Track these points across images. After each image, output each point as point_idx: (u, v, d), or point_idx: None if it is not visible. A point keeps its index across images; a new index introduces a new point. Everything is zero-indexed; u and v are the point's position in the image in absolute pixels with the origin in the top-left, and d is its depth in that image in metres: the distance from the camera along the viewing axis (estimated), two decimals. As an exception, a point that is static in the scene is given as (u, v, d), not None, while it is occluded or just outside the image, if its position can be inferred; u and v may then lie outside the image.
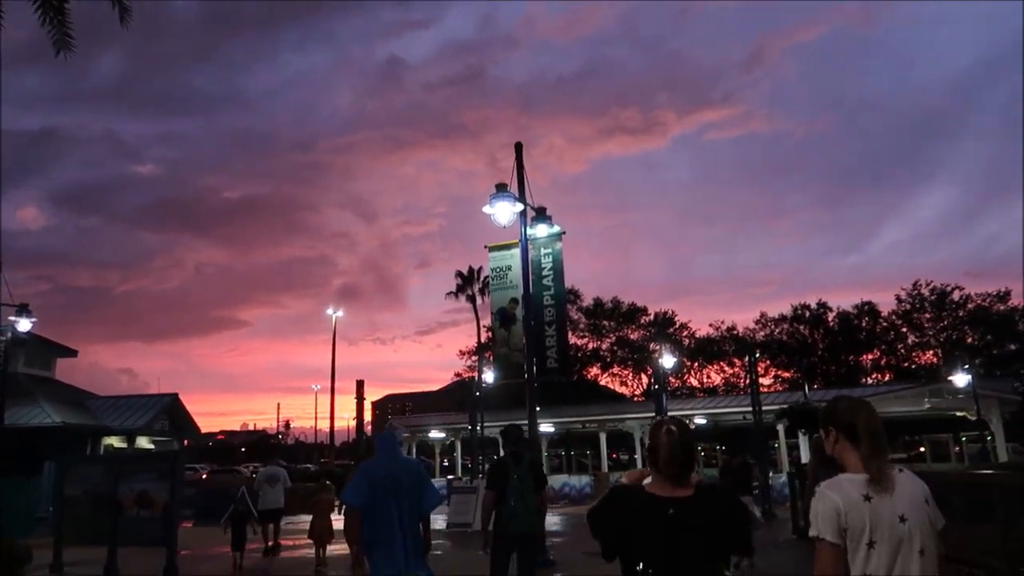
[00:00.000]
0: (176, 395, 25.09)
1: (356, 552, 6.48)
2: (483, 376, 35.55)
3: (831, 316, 49.16)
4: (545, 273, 12.01)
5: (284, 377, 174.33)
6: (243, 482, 17.88)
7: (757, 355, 47.89)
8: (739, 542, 2.73)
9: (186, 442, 29.06)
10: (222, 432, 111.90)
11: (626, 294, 54.84)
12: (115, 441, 23.01)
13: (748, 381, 48.96)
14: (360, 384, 30.86)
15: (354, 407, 30.05)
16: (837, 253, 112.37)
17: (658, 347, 43.42)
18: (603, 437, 32.24)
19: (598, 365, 54.35)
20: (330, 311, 41.89)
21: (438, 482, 33.74)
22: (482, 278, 54.19)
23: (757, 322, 50.78)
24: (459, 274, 56.81)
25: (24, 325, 18.29)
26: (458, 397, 51.60)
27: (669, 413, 28.46)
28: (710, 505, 2.67)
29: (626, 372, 53.80)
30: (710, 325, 53.12)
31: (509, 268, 12.34)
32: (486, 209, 11.74)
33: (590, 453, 41.43)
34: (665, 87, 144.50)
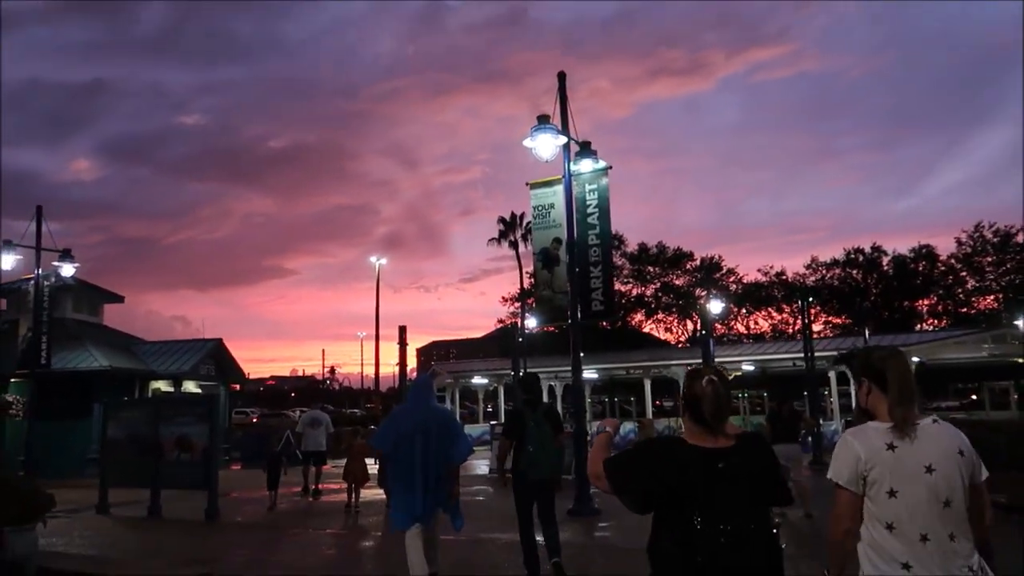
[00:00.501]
0: (220, 340, 25.22)
1: (352, 492, 6.31)
2: (525, 322, 35.25)
3: (885, 260, 47.44)
4: (590, 211, 11.35)
5: (331, 324, 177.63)
6: (288, 426, 18.00)
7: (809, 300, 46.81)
8: (780, 492, 2.69)
9: (236, 386, 29.43)
10: (272, 377, 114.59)
11: (671, 241, 53.64)
12: (162, 385, 23.27)
13: (798, 327, 47.85)
14: (402, 330, 30.67)
15: (395, 354, 29.91)
16: (891, 196, 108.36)
17: (704, 293, 42.53)
18: (647, 384, 31.75)
19: (642, 312, 53.62)
20: (373, 259, 41.90)
21: (481, 428, 33.85)
22: (524, 223, 53.53)
23: (808, 267, 49.30)
24: (501, 220, 56.21)
25: (67, 270, 18.29)
26: (502, 344, 51.59)
27: (716, 359, 27.78)
28: (754, 454, 2.63)
29: (671, 319, 53.01)
30: (758, 270, 51.78)
31: (552, 206, 11.70)
32: (527, 142, 11.08)
33: (634, 400, 41.07)
34: (714, 26, 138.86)
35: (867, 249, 47.56)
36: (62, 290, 23.56)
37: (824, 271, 48.33)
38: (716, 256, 51.67)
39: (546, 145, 11.07)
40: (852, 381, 4.31)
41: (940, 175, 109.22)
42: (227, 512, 12.51)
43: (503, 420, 35.07)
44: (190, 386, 25.21)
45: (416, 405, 6.48)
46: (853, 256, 47.88)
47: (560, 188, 11.62)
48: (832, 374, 27.23)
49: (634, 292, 53.07)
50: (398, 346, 32.55)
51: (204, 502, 11.89)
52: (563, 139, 11.02)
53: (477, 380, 38.75)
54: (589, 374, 34.47)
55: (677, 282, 51.96)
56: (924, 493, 2.43)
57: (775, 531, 2.59)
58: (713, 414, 2.60)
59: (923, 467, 2.45)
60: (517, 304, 50.37)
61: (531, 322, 38.41)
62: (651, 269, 52.40)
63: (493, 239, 56.43)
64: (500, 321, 57.41)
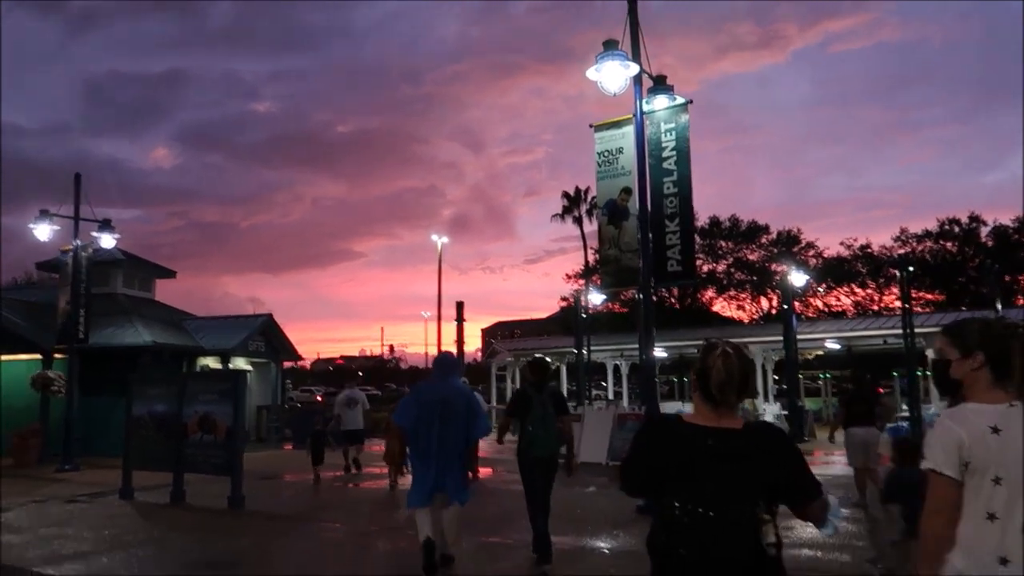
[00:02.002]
0: (270, 315, 24.23)
1: (394, 472, 6.81)
2: (589, 298, 33.43)
3: (984, 232, 43.62)
4: (667, 154, 9.51)
5: (398, 305, 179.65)
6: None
7: (894, 273, 43.46)
8: (797, 485, 2.41)
9: (289, 364, 28.52)
10: (341, 357, 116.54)
11: (743, 219, 50.48)
12: (211, 362, 22.44)
13: (884, 304, 44.61)
14: (460, 306, 29.40)
15: (465, 335, 28.77)
16: (976, 170, 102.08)
17: (782, 267, 39.87)
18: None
19: (713, 288, 50.97)
20: (435, 237, 40.71)
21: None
22: (590, 199, 51.44)
23: (896, 239, 45.69)
24: (565, 195, 54.28)
25: (107, 241, 17.40)
26: (564, 322, 49.94)
27: (798, 336, 25.48)
28: (762, 439, 2.42)
29: (744, 296, 50.24)
30: (841, 243, 48.47)
31: (620, 151, 9.90)
32: (590, 73, 9.31)
33: (705, 380, 38.83)
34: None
35: (964, 220, 43.82)
36: (111, 264, 22.95)
37: (915, 243, 44.79)
38: (795, 229, 48.58)
39: (614, 76, 9.27)
40: (953, 352, 2.43)
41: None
42: (261, 497, 11.38)
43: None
44: (240, 363, 24.35)
45: (438, 382, 6.53)
46: (948, 227, 44.20)
47: (630, 129, 9.81)
48: (931, 353, 24.60)
49: (705, 268, 50.45)
50: (456, 323, 31.34)
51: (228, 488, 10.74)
52: (634, 68, 9.19)
53: (539, 359, 37.22)
54: (658, 352, 32.49)
55: (751, 257, 49.09)
56: None
57: (770, 525, 2.30)
58: (720, 387, 2.43)
59: None
60: (581, 282, 48.47)
61: (595, 298, 36.61)
62: (723, 244, 49.64)
63: (556, 215, 54.62)
64: (563, 299, 55.56)
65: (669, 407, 29.29)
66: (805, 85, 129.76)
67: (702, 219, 49.33)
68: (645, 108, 9.71)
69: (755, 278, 48.50)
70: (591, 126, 10.26)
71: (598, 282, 48.52)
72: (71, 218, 16.73)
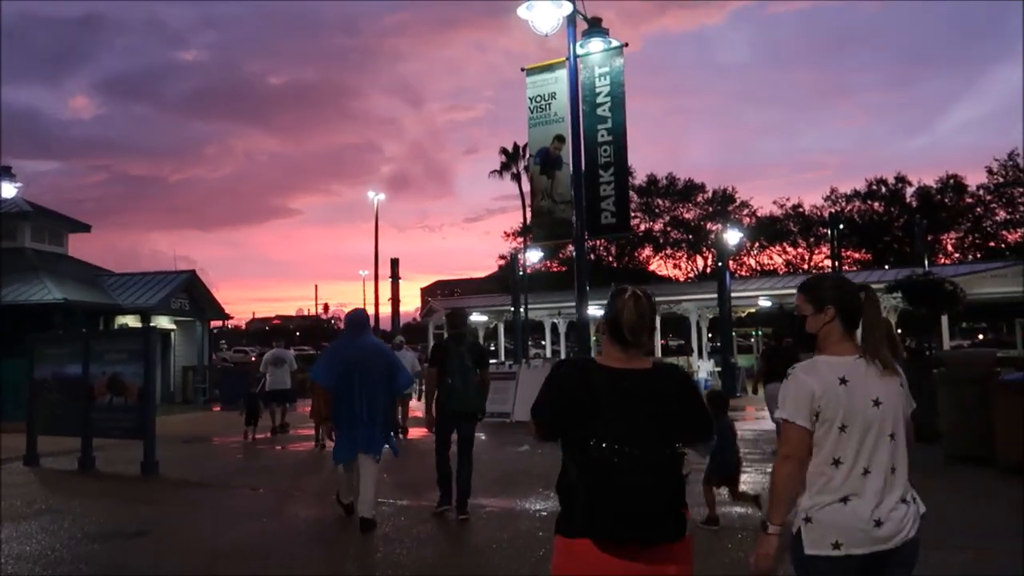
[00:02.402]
0: (193, 272, 23.20)
1: (327, 429, 6.85)
2: (527, 256, 33.16)
3: (909, 192, 44.89)
4: (601, 100, 9.12)
5: (336, 264, 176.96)
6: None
7: (825, 232, 44.41)
8: (696, 420, 2.52)
9: (218, 323, 27.52)
10: (277, 316, 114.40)
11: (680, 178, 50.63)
12: (130, 320, 21.38)
13: (813, 263, 45.63)
14: (395, 263, 28.90)
15: (404, 293, 28.26)
16: (906, 134, 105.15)
17: (717, 225, 40.27)
18: (656, 320, 29.79)
19: (650, 247, 51.39)
20: (372, 194, 39.45)
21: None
22: (527, 155, 50.65)
23: (827, 198, 46.70)
24: (503, 151, 53.47)
25: (7, 190, 16.21)
26: (505, 283, 49.73)
27: (732, 294, 25.73)
28: (669, 379, 2.51)
29: (680, 255, 50.80)
30: (774, 202, 49.33)
31: (553, 96, 9.46)
32: (521, 11, 8.84)
33: (641, 338, 39.21)
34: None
35: (891, 180, 44.98)
36: (18, 217, 21.54)
37: (844, 203, 45.84)
38: (729, 188, 49.14)
39: (546, 15, 8.80)
40: (808, 307, 2.58)
41: (957, 113, 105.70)
42: (178, 462, 10.79)
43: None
44: (163, 322, 23.34)
45: (353, 339, 6.46)
46: (875, 188, 45.32)
47: (563, 73, 9.38)
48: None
49: (642, 227, 50.73)
50: (390, 280, 30.78)
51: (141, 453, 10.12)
52: (567, 7, 8.73)
53: (476, 317, 36.88)
54: (594, 311, 32.59)
55: (687, 216, 49.60)
56: (872, 427, 2.42)
57: (679, 462, 2.39)
58: (632, 329, 2.47)
59: (871, 400, 2.44)
60: (520, 240, 48.16)
61: (533, 256, 36.37)
62: (660, 202, 49.97)
63: (495, 171, 53.86)
64: (502, 257, 55.26)
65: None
66: (743, 46, 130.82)
67: (640, 177, 49.42)
68: (579, 51, 9.28)
69: (691, 237, 49.05)
70: (523, 69, 9.77)
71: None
72: (-35, 166, 15.45)
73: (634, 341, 2.47)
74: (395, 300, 28.47)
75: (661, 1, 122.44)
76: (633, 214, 49.92)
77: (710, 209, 48.15)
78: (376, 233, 46.77)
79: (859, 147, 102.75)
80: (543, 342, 38.15)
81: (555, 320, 35.21)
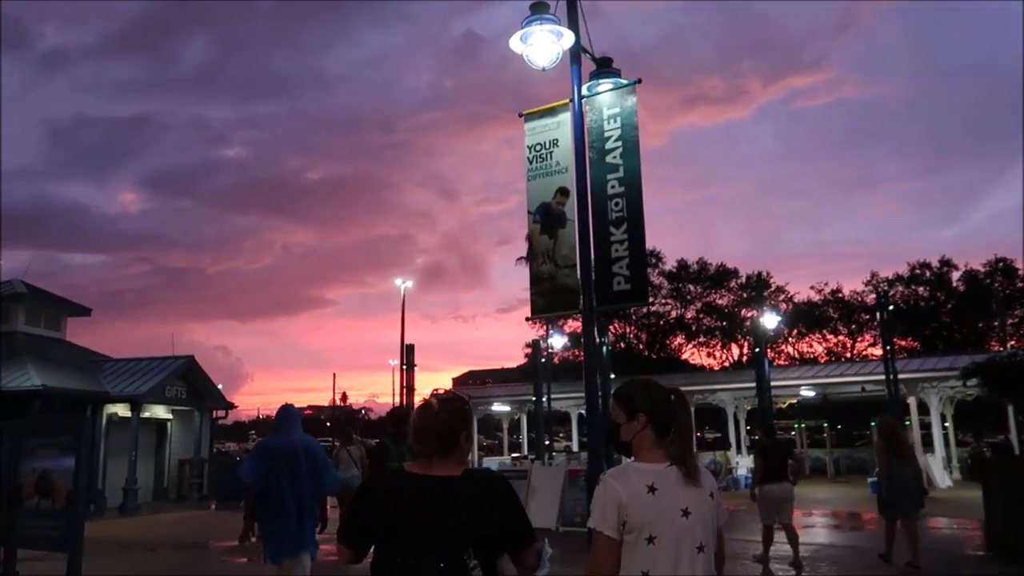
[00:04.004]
0: (192, 358, 21.82)
1: (246, 527, 6.59)
2: (551, 343, 31.47)
3: (955, 276, 42.65)
4: (611, 146, 7.68)
5: (368, 354, 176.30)
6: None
7: (868, 318, 42.12)
8: (512, 532, 2.41)
9: (223, 413, 25.98)
10: (310, 407, 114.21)
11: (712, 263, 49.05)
12: (120, 409, 19.97)
13: (859, 351, 43.12)
14: (409, 349, 27.41)
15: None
16: (935, 224, 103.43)
17: (752, 312, 38.32)
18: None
19: (682, 335, 49.37)
20: (399, 281, 38.18)
21: (500, 459, 30.11)
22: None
23: (867, 283, 44.57)
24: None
25: (-15, 268, 15.13)
26: (526, 368, 47.89)
27: (772, 383, 23.65)
28: (472, 487, 2.41)
29: (714, 343, 48.64)
30: (811, 287, 47.23)
31: (555, 143, 8.05)
32: (514, 44, 7.55)
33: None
34: (750, 53, 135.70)
35: (935, 263, 42.86)
36: (11, 299, 20.59)
37: (886, 288, 43.69)
38: (764, 271, 47.30)
39: (544, 48, 7.49)
40: (621, 414, 2.53)
41: (987, 202, 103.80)
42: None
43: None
44: (159, 411, 21.90)
45: (283, 435, 6.34)
46: (919, 272, 43.19)
47: (566, 117, 7.99)
48: (912, 401, 22.90)
49: (673, 313, 48.90)
50: (402, 368, 29.19)
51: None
52: (568, 38, 7.40)
53: (499, 407, 35.05)
54: (623, 401, 30.51)
55: (720, 302, 47.69)
56: (681, 538, 2.38)
57: (477, 570, 2.30)
58: (415, 437, 2.51)
59: (680, 511, 2.40)
60: (544, 328, 46.57)
61: (557, 342, 34.64)
62: (691, 288, 48.23)
63: (521, 258, 52.85)
64: (527, 346, 53.53)
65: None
66: (769, 139, 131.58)
67: (669, 263, 48.00)
68: (585, 91, 7.91)
69: (724, 324, 47.02)
70: (520, 115, 8.41)
71: (563, 328, 46.73)
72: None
73: (422, 448, 2.47)
74: (408, 388, 26.77)
75: (688, 98, 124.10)
76: (664, 300, 48.25)
77: (744, 295, 46.25)
78: (403, 321, 45.37)
79: (890, 237, 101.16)
80: (564, 434, 35.92)
81: (582, 411, 33.13)
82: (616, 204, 7.61)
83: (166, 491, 22.23)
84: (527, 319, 8.74)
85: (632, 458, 2.53)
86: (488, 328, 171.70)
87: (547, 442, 25.62)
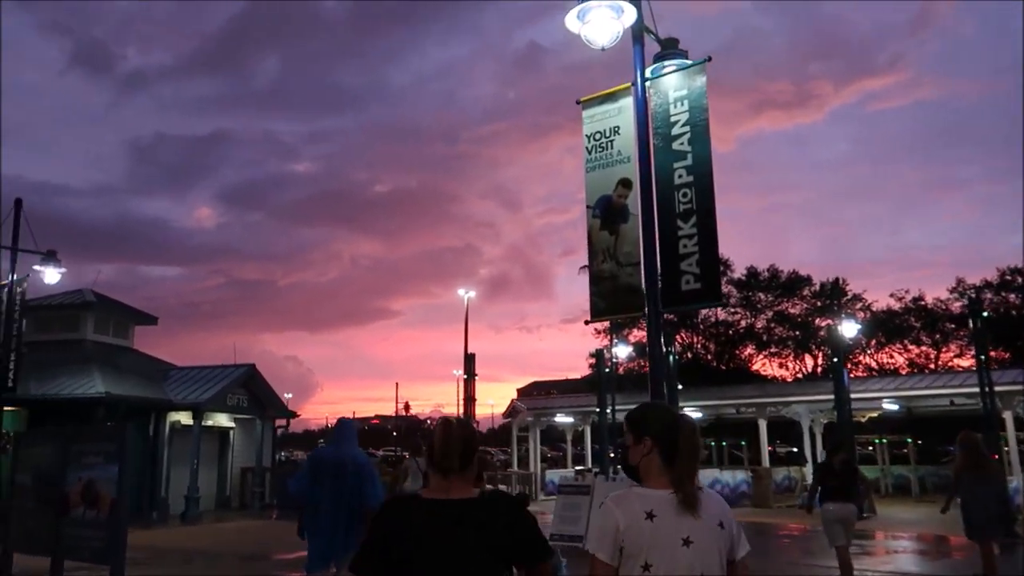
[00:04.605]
0: (253, 366, 21.84)
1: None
2: (615, 352, 30.60)
3: (1050, 283, 39.92)
4: (677, 131, 6.98)
5: (433, 364, 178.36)
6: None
7: (953, 327, 39.77)
8: (527, 549, 2.46)
9: (283, 421, 26.01)
10: (376, 416, 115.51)
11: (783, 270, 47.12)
12: (182, 417, 20.05)
13: (943, 362, 40.75)
14: (470, 359, 26.96)
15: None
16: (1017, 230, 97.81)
17: (827, 321, 36.62)
18: (763, 425, 26.36)
19: (752, 345, 47.65)
20: (462, 291, 37.71)
21: (564, 472, 29.37)
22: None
23: (952, 290, 42.13)
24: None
25: (51, 276, 15.32)
26: (591, 378, 46.97)
27: (852, 395, 22.27)
28: (492, 509, 2.46)
29: (787, 353, 46.76)
30: (891, 295, 44.96)
31: (616, 131, 7.39)
32: (571, 23, 6.95)
33: (746, 444, 35.33)
34: (821, 56, 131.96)
35: (1027, 269, 40.16)
36: (80, 307, 20.97)
37: (973, 295, 41.18)
38: (839, 278, 45.29)
39: (602, 26, 6.86)
40: (629, 437, 2.56)
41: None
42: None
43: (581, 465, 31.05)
44: (222, 419, 21.97)
45: (335, 448, 6.47)
46: (1009, 278, 40.60)
47: (628, 102, 7.32)
48: (1008, 415, 21.22)
49: (742, 323, 47.27)
50: (464, 377, 28.75)
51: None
52: (630, 13, 6.75)
53: (562, 418, 34.25)
54: (691, 412, 29.40)
55: (792, 311, 45.84)
56: (679, 568, 2.32)
57: None
58: (440, 454, 2.51)
59: (680, 539, 2.35)
60: (608, 338, 45.61)
61: (622, 351, 33.73)
62: (762, 297, 46.52)
63: (584, 267, 52.01)
64: (591, 355, 52.57)
65: (703, 474, 26.02)
66: (842, 143, 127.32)
67: (738, 270, 46.47)
68: (649, 74, 7.23)
69: (797, 333, 45.16)
70: (578, 102, 7.78)
71: (628, 337, 45.65)
72: (6, 248, 14.64)
73: (442, 467, 2.49)
74: (469, 399, 26.32)
75: (756, 104, 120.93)
76: (733, 309, 46.66)
77: (818, 303, 44.33)
78: (466, 330, 45.12)
79: (973, 242, 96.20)
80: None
81: (647, 423, 32.11)
82: (684, 195, 6.88)
83: (228, 499, 22.25)
84: (586, 322, 8.35)
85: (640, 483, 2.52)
86: (552, 339, 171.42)
87: (611, 455, 24.79)
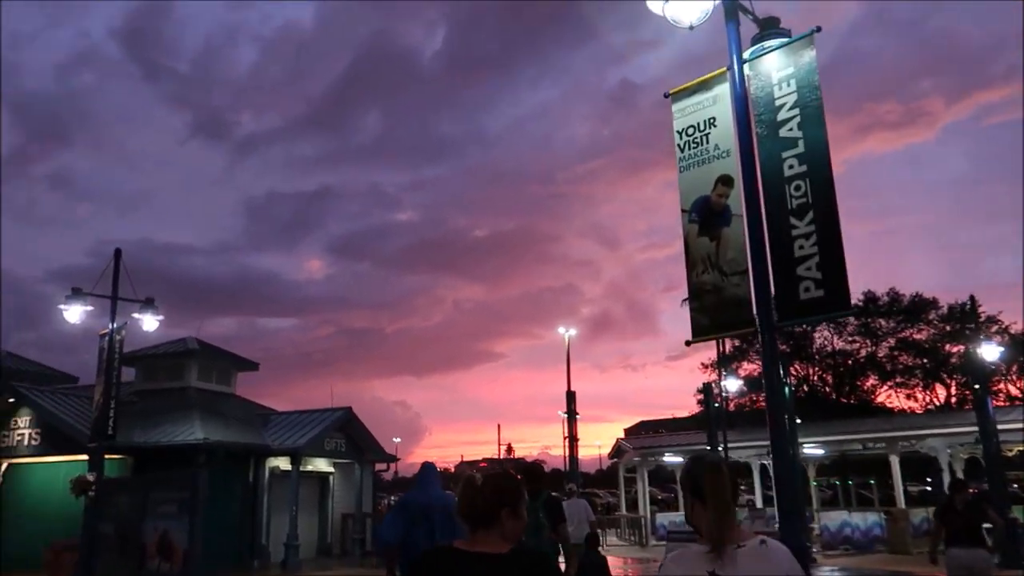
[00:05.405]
0: (349, 409, 21.57)
1: None
2: (724, 386, 28.87)
3: None
4: (784, 115, 5.99)
5: (538, 405, 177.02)
6: None
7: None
8: None
9: (384, 467, 25.68)
10: (484, 459, 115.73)
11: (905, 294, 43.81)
12: (281, 463, 19.92)
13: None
14: (571, 397, 25.96)
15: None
16: None
17: (961, 345, 33.57)
18: (895, 461, 23.97)
19: (874, 375, 44.36)
20: (562, 329, 36.62)
21: (674, 516, 27.65)
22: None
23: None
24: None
25: (149, 323, 15.50)
26: (700, 416, 44.88)
27: (999, 426, 19.87)
28: (515, 567, 2.43)
29: (914, 382, 43.24)
30: (1030, 317, 41.01)
31: (711, 123, 6.47)
32: (652, 3, 6.14)
33: (875, 483, 32.48)
34: (929, 71, 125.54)
35: None
36: (184, 355, 21.37)
37: None
38: (973, 297, 41.70)
39: (688, 4, 6.04)
40: (684, 495, 2.45)
41: None
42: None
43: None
44: (321, 464, 21.78)
45: (421, 491, 6.43)
46: None
47: (724, 90, 6.41)
48: None
49: (862, 352, 44.15)
50: (566, 415, 27.71)
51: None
52: (720, -13, 5.88)
53: (671, 458, 32.53)
54: (812, 449, 27.19)
55: (918, 336, 42.44)
56: None
57: None
58: (465, 510, 2.55)
59: None
60: (716, 372, 43.52)
61: (731, 385, 31.87)
62: (882, 323, 43.36)
63: (686, 299, 50.10)
64: (698, 391, 50.33)
65: (830, 516, 23.87)
66: (959, 161, 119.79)
67: (854, 296, 43.57)
68: (747, 56, 6.30)
69: (925, 361, 41.71)
70: (667, 95, 6.90)
71: (737, 371, 43.35)
72: (107, 297, 14.89)
73: (469, 522, 2.52)
74: (571, 438, 25.23)
75: (863, 126, 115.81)
76: (851, 337, 43.75)
77: (947, 328, 40.88)
78: (568, 368, 44.12)
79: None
80: (745, 487, 32.66)
81: (764, 461, 29.99)
82: (797, 188, 5.86)
83: (329, 547, 21.90)
84: (688, 343, 7.28)
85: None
86: (658, 376, 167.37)
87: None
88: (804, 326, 42.19)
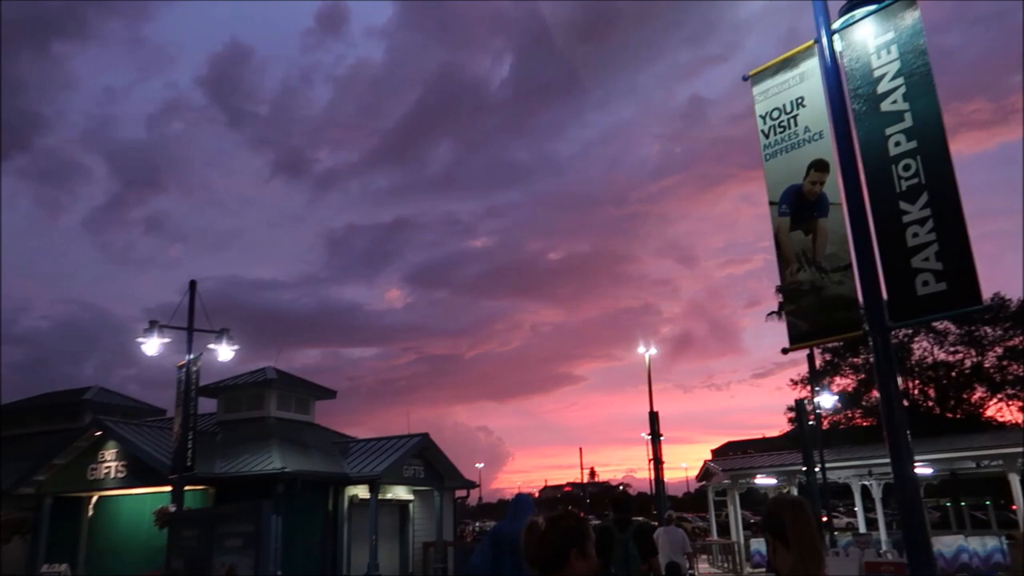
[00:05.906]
0: (426, 435, 21.20)
1: None
2: (818, 402, 27.28)
3: None
4: (885, 87, 5.24)
5: (620, 428, 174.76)
6: None
7: None
8: None
9: (463, 493, 25.24)
10: (568, 484, 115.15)
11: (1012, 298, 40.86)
12: (360, 491, 19.68)
13: None
14: (653, 417, 24.94)
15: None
16: None
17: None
18: (1015, 480, 21.97)
19: (982, 387, 41.39)
20: (642, 348, 35.56)
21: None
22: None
23: None
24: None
25: (224, 353, 15.57)
26: (791, 435, 42.85)
27: None
28: None
29: (1026, 394, 40.11)
30: None
31: (800, 103, 5.76)
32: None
33: (990, 504, 30.04)
34: (1019, 66, 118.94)
35: None
36: (263, 385, 21.51)
37: None
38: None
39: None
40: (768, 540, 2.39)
41: None
42: None
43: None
44: (400, 492, 21.46)
45: (512, 521, 6.33)
46: None
47: (812, 65, 5.70)
48: None
49: (967, 362, 41.31)
50: (649, 437, 26.66)
51: None
52: (804, -55, 5.20)
53: (762, 480, 30.92)
54: (921, 468, 25.30)
55: (1029, 344, 39.41)
56: None
57: None
58: (532, 556, 2.51)
59: None
60: (807, 388, 41.45)
61: (826, 401, 30.10)
62: (987, 331, 40.50)
63: (772, 313, 48.13)
64: (789, 409, 48.10)
65: (943, 541, 22.01)
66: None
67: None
68: (836, 26, 5.59)
69: (1040, 370, 38.67)
70: (745, 77, 6.22)
71: (830, 386, 41.21)
72: (183, 328, 15.00)
73: (536, 569, 2.48)
74: (656, 460, 24.22)
75: (950, 127, 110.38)
76: (952, 347, 41.03)
77: (1062, 333, 37.87)
78: (649, 388, 42.88)
79: None
80: (843, 509, 30.69)
81: (865, 482, 28.13)
82: (906, 167, 5.08)
83: (411, 576, 21.51)
84: (784, 351, 6.53)
85: None
86: (744, 395, 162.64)
87: (824, 518, 21.59)
88: (911, 330, 39.83)
